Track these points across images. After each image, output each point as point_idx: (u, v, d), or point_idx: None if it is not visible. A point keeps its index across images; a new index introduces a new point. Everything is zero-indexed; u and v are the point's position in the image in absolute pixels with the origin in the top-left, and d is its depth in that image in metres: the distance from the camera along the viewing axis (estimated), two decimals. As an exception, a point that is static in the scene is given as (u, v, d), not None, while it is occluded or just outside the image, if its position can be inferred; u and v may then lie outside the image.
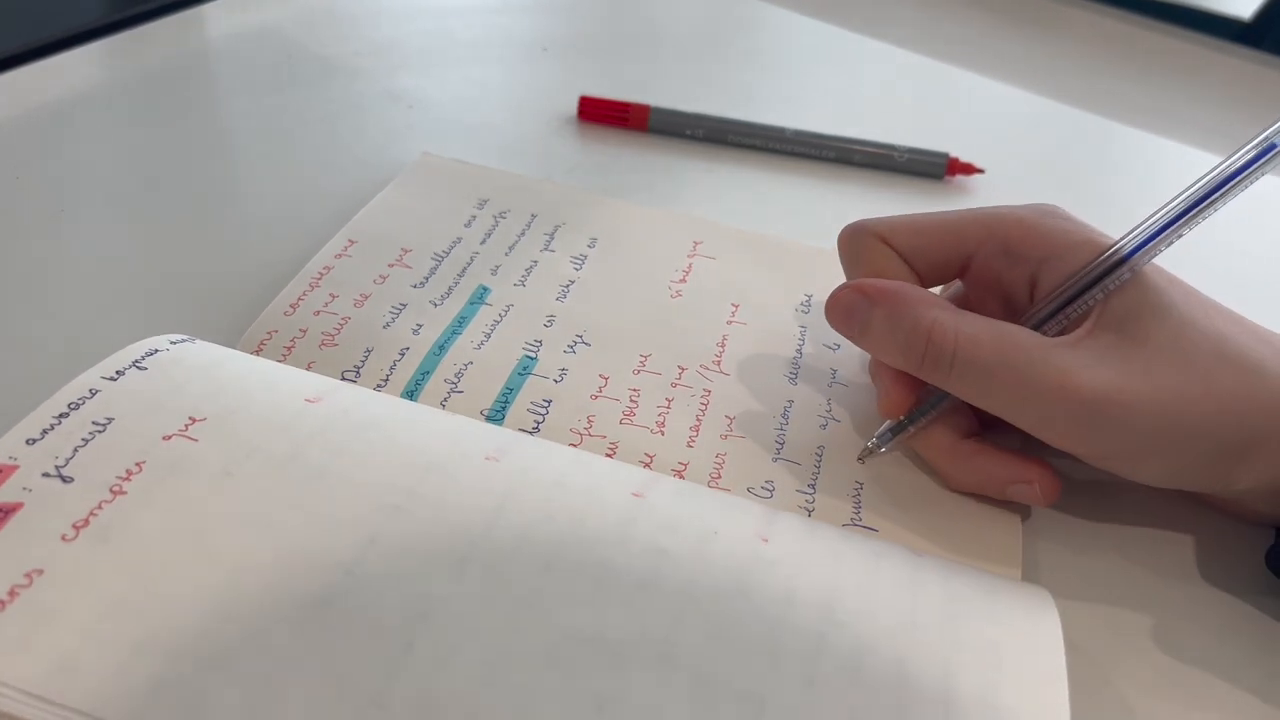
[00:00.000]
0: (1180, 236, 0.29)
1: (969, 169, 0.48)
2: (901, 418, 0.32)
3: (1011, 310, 0.32)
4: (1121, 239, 0.29)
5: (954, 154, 0.49)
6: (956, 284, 0.35)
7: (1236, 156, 0.28)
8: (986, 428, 0.32)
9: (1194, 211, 0.29)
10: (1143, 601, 0.30)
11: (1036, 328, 0.30)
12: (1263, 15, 0.66)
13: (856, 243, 0.34)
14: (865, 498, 0.32)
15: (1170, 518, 0.33)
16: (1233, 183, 0.28)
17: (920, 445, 0.33)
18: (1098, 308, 0.29)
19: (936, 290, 0.34)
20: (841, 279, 0.40)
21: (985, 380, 0.29)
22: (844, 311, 0.32)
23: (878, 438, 0.33)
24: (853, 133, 0.49)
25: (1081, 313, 0.30)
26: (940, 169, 0.49)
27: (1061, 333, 0.30)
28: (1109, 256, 0.29)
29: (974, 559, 0.30)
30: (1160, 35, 0.67)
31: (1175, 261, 0.30)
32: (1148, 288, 0.29)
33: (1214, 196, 0.28)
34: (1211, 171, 0.28)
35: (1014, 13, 0.68)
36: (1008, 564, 0.30)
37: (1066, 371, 0.28)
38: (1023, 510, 0.32)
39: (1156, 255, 0.29)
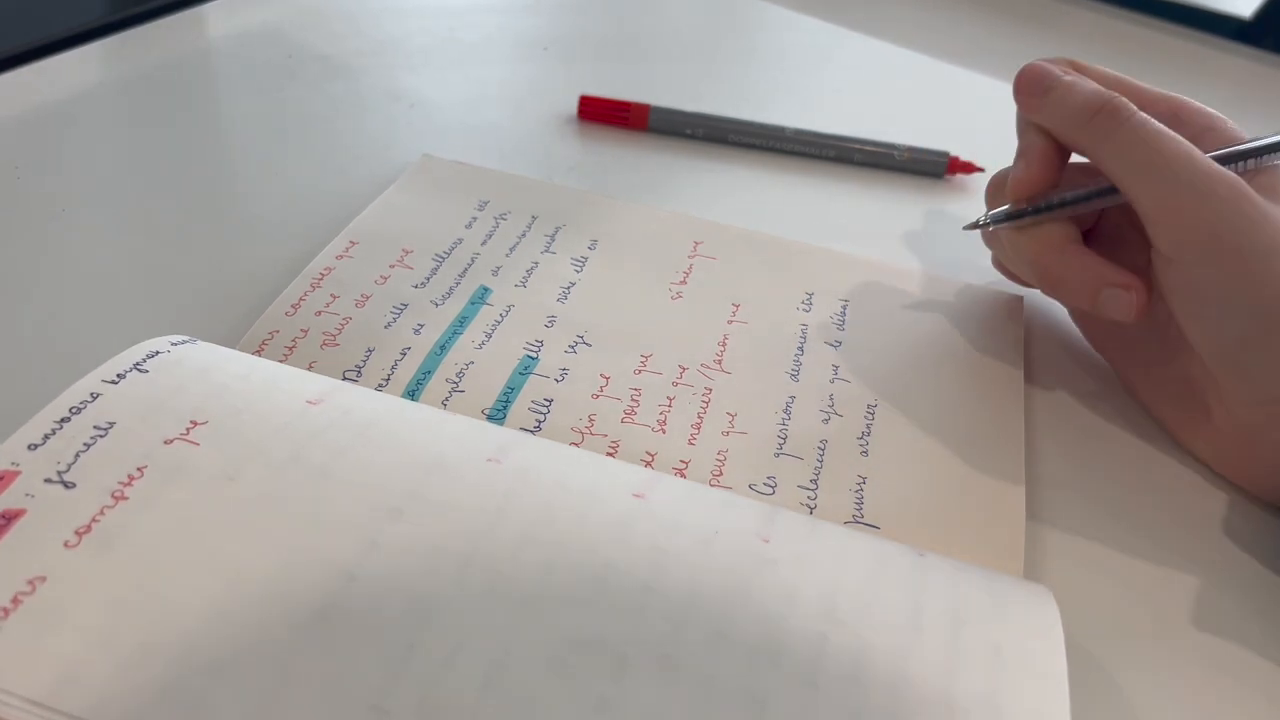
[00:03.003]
0: None
1: (969, 168, 0.48)
2: (1024, 205, 0.34)
3: None
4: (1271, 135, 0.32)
5: (954, 153, 0.49)
6: None
7: None
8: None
9: None
10: (1146, 598, 0.30)
11: None
12: (1263, 14, 0.66)
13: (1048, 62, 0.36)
14: (867, 493, 0.32)
15: (1176, 513, 0.33)
16: None
17: (1030, 238, 0.34)
18: (1247, 177, 0.31)
19: None
20: (842, 280, 0.40)
21: (1151, 144, 0.31)
22: (1038, 72, 0.34)
23: (990, 216, 0.35)
24: (853, 132, 0.49)
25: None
26: (941, 168, 0.49)
27: None
28: (1269, 140, 0.32)
29: (976, 555, 0.30)
30: (1160, 33, 0.67)
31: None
32: None
33: None
34: None
35: (1014, 11, 0.68)
36: (1010, 560, 0.30)
37: (1215, 166, 0.30)
38: (1027, 506, 0.32)
39: None
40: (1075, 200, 0.34)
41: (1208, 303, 0.30)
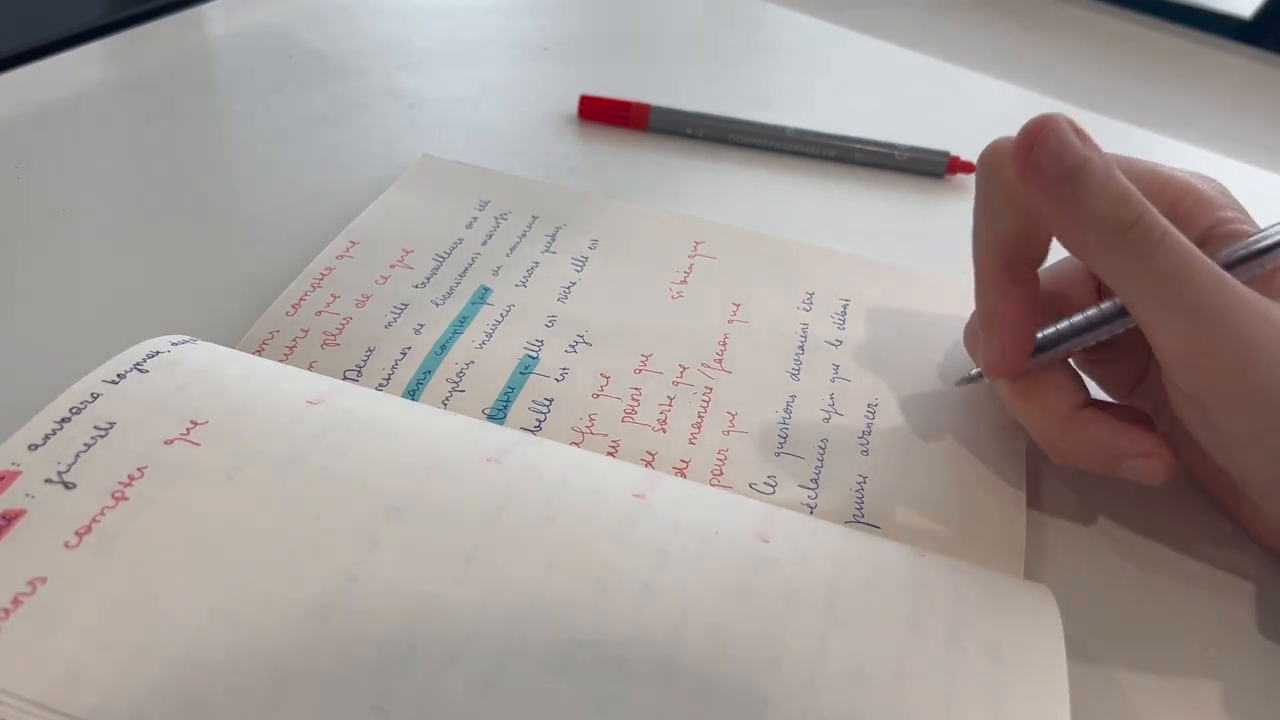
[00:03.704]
0: None
1: (970, 167, 0.48)
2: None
3: None
4: None
5: (954, 153, 0.49)
6: None
7: None
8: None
9: None
10: (1146, 600, 0.30)
11: None
12: (1263, 13, 0.65)
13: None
14: (868, 493, 0.32)
15: (1177, 517, 0.33)
16: None
17: (1032, 409, 0.30)
18: (1259, 279, 0.28)
19: None
20: (842, 280, 0.39)
21: (1182, 275, 0.26)
22: (1061, 140, 0.26)
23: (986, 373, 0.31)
24: (853, 132, 0.49)
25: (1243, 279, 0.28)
26: (941, 167, 0.49)
27: None
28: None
29: (977, 555, 0.30)
30: (1160, 33, 0.67)
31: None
32: None
33: None
34: None
35: (1014, 11, 0.68)
36: (1010, 560, 0.30)
37: (1246, 294, 0.26)
38: (1027, 506, 0.32)
39: None
40: (1080, 332, 0.30)
41: (1239, 446, 0.27)
